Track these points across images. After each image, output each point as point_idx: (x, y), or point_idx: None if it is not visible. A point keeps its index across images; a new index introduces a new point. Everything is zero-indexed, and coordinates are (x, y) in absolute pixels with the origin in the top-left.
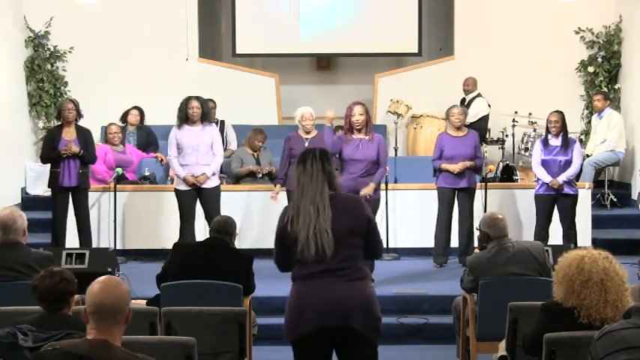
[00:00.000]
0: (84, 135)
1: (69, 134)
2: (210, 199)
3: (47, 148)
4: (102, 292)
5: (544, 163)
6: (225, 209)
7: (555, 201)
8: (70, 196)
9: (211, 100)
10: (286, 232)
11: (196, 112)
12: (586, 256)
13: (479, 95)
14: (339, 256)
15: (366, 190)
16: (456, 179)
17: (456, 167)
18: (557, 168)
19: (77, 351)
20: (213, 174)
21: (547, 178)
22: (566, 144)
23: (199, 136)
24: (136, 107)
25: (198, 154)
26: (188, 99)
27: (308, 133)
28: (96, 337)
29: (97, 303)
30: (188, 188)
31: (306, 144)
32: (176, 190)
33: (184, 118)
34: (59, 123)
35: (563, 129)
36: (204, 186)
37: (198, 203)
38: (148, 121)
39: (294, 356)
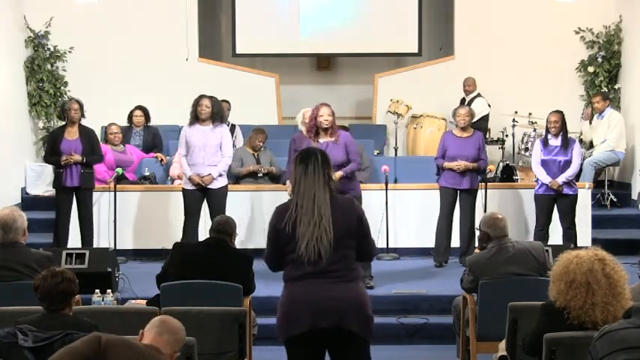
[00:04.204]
0: (88, 135)
1: (71, 134)
2: (216, 199)
3: (49, 150)
4: (166, 317)
5: (544, 163)
6: (225, 209)
7: (555, 201)
8: (74, 197)
9: (226, 101)
10: (283, 232)
11: (205, 110)
12: (576, 257)
13: (479, 95)
14: (333, 258)
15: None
16: (458, 180)
17: (458, 164)
18: (557, 168)
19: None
20: (220, 175)
21: (546, 178)
22: (566, 144)
23: (208, 136)
24: (139, 107)
25: (206, 153)
26: (200, 97)
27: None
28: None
29: (161, 319)
30: (194, 188)
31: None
32: (183, 189)
33: (195, 116)
34: (63, 123)
35: (562, 129)
36: (210, 186)
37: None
38: None
39: (287, 355)
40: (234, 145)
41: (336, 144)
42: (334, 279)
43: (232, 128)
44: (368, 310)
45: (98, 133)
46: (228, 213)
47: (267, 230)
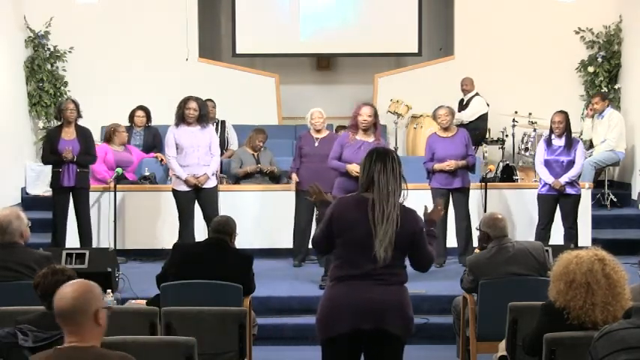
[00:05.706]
0: (84, 135)
1: (68, 134)
2: (209, 199)
3: (46, 150)
4: (57, 297)
5: (547, 163)
6: (225, 209)
7: (558, 200)
8: (71, 196)
9: (210, 100)
10: (337, 223)
11: (193, 113)
12: (576, 257)
13: (477, 94)
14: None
15: None
16: (450, 179)
17: (448, 164)
18: (560, 168)
19: None
20: (213, 174)
21: (549, 178)
22: (570, 144)
23: (198, 137)
24: (141, 107)
25: (200, 154)
26: (187, 99)
27: (319, 132)
28: (66, 344)
29: (56, 308)
30: (187, 189)
31: (316, 143)
32: (174, 191)
33: (181, 117)
34: (59, 123)
35: (566, 129)
36: (204, 186)
37: (195, 204)
38: None
39: (322, 355)
40: (228, 142)
41: (371, 146)
42: (375, 281)
43: (223, 124)
44: (408, 312)
45: (98, 133)
46: (229, 213)
47: (325, 214)
